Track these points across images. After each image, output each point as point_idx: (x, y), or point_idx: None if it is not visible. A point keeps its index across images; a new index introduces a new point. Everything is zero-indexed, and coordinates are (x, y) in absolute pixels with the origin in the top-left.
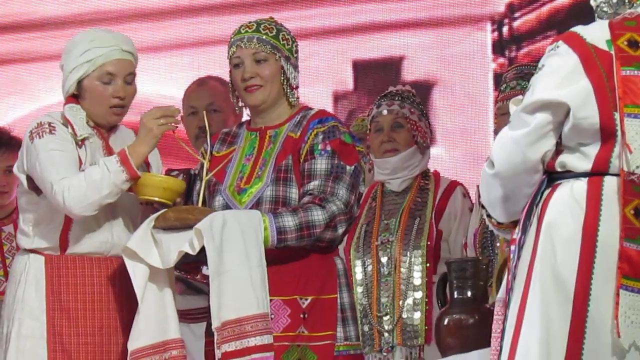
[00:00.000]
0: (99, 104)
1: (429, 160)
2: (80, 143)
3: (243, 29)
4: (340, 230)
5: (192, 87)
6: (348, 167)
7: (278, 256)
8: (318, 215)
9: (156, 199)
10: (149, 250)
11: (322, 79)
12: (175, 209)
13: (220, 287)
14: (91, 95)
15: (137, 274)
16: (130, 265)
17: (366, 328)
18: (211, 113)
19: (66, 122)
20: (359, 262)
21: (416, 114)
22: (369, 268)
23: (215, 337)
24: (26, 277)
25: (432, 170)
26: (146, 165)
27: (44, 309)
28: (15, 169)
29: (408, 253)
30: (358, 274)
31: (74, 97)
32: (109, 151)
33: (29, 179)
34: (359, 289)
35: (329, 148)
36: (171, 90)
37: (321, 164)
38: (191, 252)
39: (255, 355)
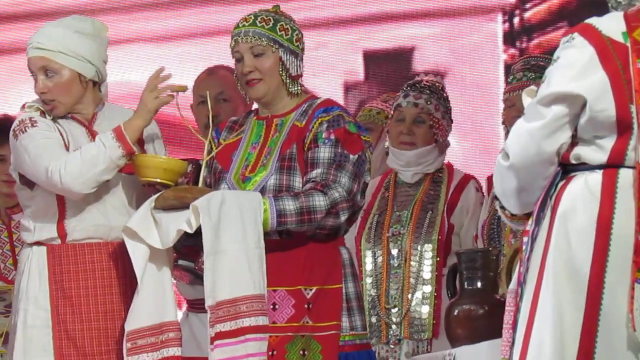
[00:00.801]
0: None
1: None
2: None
3: (241, 23)
4: (343, 218)
5: (201, 77)
6: (351, 156)
7: (282, 246)
8: (320, 201)
9: (158, 180)
10: (149, 231)
11: (332, 69)
12: (174, 189)
13: (215, 266)
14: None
15: (137, 255)
16: (131, 245)
17: (374, 319)
18: (221, 102)
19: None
20: (369, 253)
21: (441, 111)
22: (379, 259)
23: (209, 315)
24: (29, 267)
25: (445, 162)
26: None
27: (48, 298)
28: (10, 168)
29: (419, 246)
30: (368, 264)
31: None
32: (93, 136)
33: (20, 175)
34: (369, 280)
35: (332, 137)
36: (181, 80)
37: (324, 152)
38: (189, 230)
39: (249, 335)
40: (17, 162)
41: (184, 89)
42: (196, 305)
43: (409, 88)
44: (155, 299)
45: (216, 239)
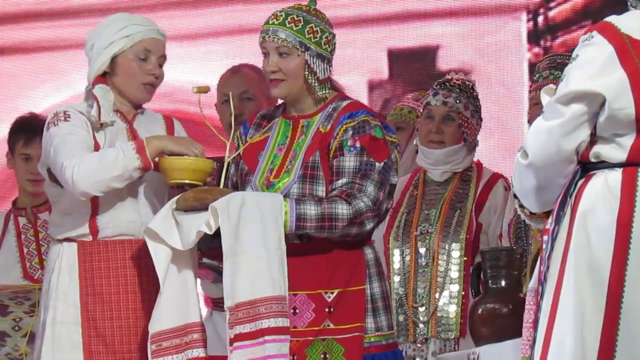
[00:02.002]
0: (133, 80)
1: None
2: (99, 126)
3: (271, 19)
4: (369, 227)
5: (226, 75)
6: (377, 164)
7: (303, 250)
8: (342, 210)
9: (186, 181)
10: (170, 232)
11: (357, 67)
12: (194, 190)
13: (234, 267)
14: (125, 71)
15: (159, 256)
16: (152, 247)
17: (401, 318)
18: (245, 101)
19: (89, 108)
20: (397, 251)
21: (470, 109)
22: (407, 258)
23: (228, 317)
24: (60, 264)
25: (474, 160)
26: None
27: (78, 294)
28: (39, 164)
29: (446, 245)
30: (396, 263)
31: (102, 76)
32: (132, 134)
33: (49, 172)
34: (396, 279)
35: (358, 145)
36: (206, 79)
37: (350, 161)
38: (208, 232)
39: (268, 337)
40: (45, 154)
41: (206, 89)
42: (220, 304)
43: (438, 86)
44: (179, 300)
45: (236, 240)
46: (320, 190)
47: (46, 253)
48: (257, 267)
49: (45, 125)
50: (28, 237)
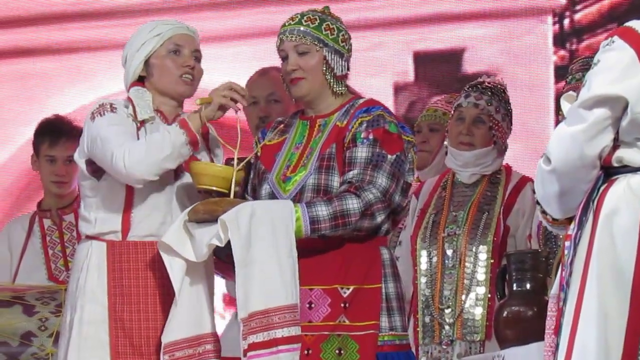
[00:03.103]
0: (169, 75)
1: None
2: (139, 125)
3: (287, 22)
4: (379, 219)
5: (253, 78)
6: (389, 156)
7: (320, 245)
8: (353, 204)
9: (214, 188)
10: (184, 244)
11: (383, 69)
12: (204, 202)
13: (246, 278)
14: (160, 68)
15: (174, 268)
16: (167, 260)
17: (427, 319)
18: (272, 103)
19: (128, 104)
20: (424, 253)
21: (501, 112)
22: (434, 259)
23: (241, 328)
24: (88, 264)
25: (503, 163)
26: (210, 158)
27: (106, 294)
28: (75, 156)
29: (474, 248)
30: (423, 264)
31: (138, 81)
32: None
33: (89, 163)
34: (423, 280)
35: (371, 136)
36: (235, 80)
37: (362, 152)
38: (219, 244)
39: (282, 347)
40: (89, 146)
41: (210, 100)
42: None
43: (470, 88)
44: (193, 311)
45: (247, 251)
46: (336, 181)
47: (71, 255)
48: (270, 276)
49: (89, 115)
50: (53, 239)
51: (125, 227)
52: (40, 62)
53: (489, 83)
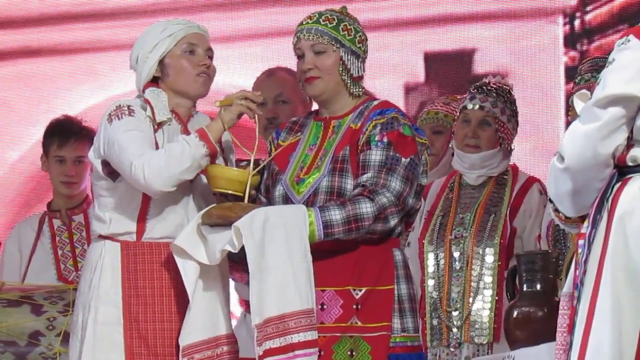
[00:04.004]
0: (185, 75)
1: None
2: (156, 127)
3: (305, 20)
4: (392, 222)
5: (260, 78)
6: (403, 159)
7: (333, 247)
8: (366, 208)
9: (229, 191)
10: (197, 247)
11: (393, 70)
12: (218, 206)
13: (261, 284)
14: (175, 69)
15: (188, 270)
16: (180, 262)
17: (435, 322)
18: (280, 104)
19: (145, 106)
20: (431, 255)
21: (507, 114)
22: (441, 262)
23: (256, 334)
24: (102, 264)
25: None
26: (224, 161)
27: (120, 295)
28: (90, 155)
29: (480, 250)
30: (430, 266)
31: (153, 82)
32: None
33: (104, 164)
34: (430, 282)
35: (385, 139)
36: (242, 81)
37: (376, 155)
38: (233, 250)
39: (298, 351)
40: (106, 149)
41: (230, 102)
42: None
43: (475, 90)
44: (209, 313)
45: (261, 257)
46: (350, 184)
47: (81, 255)
48: (284, 282)
49: (106, 116)
50: (63, 239)
51: (141, 229)
52: (48, 63)
53: (494, 84)
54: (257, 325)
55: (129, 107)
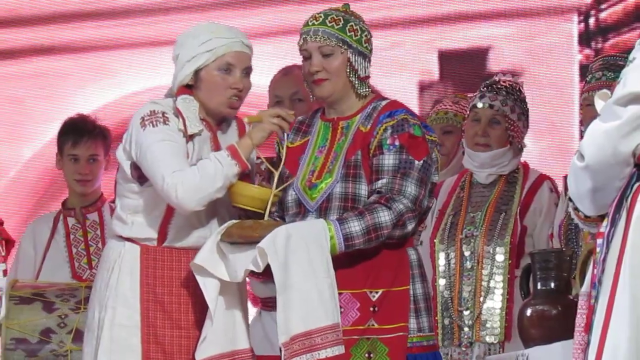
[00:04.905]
0: (217, 95)
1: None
2: (187, 139)
3: (310, 21)
4: (410, 227)
5: (277, 77)
6: (416, 162)
7: (349, 251)
8: (385, 217)
9: (249, 207)
10: (217, 265)
11: (407, 68)
12: (238, 225)
13: (286, 303)
14: (208, 85)
15: (209, 287)
16: (201, 281)
17: (446, 321)
18: (296, 102)
19: (177, 114)
20: (442, 254)
21: (517, 112)
22: (452, 261)
23: (283, 353)
24: (120, 264)
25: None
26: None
27: (138, 299)
28: (119, 155)
29: (491, 249)
30: (441, 265)
31: (187, 87)
32: (215, 144)
33: (134, 167)
34: (441, 282)
35: (397, 143)
36: (256, 79)
37: (389, 160)
38: (257, 270)
39: None
40: (138, 155)
41: (259, 119)
42: (269, 303)
43: (485, 89)
44: (227, 327)
45: (286, 276)
46: (363, 189)
47: (95, 253)
48: (308, 298)
49: (138, 119)
50: (77, 237)
51: (162, 236)
52: (62, 60)
53: (504, 82)
54: (284, 344)
55: (163, 114)
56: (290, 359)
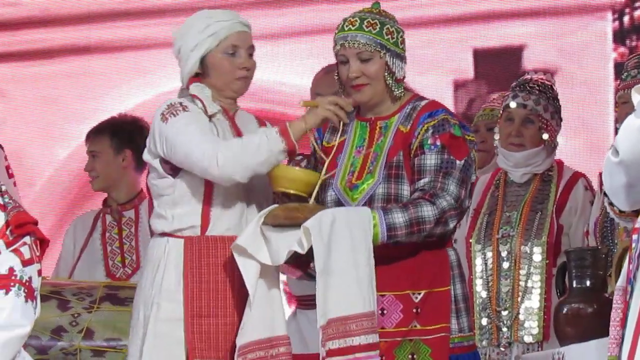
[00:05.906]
0: (226, 77)
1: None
2: (209, 118)
3: (346, 26)
4: (452, 225)
5: (319, 75)
6: (458, 162)
7: (390, 252)
8: (428, 212)
9: (292, 191)
10: (259, 247)
11: (442, 67)
12: (284, 207)
13: (326, 286)
14: (217, 69)
15: (249, 270)
16: (241, 262)
17: (485, 322)
18: None
19: (194, 100)
20: (479, 254)
21: (550, 111)
22: (489, 261)
23: (320, 335)
24: (166, 261)
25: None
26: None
27: (182, 290)
28: (146, 157)
29: (528, 249)
30: (478, 266)
31: (196, 77)
32: (236, 131)
33: (165, 163)
34: (479, 282)
35: (438, 143)
36: (290, 78)
37: (431, 159)
38: (301, 251)
39: (359, 354)
40: (165, 148)
41: (315, 104)
42: (304, 302)
43: (517, 88)
44: (265, 313)
45: (328, 259)
46: (406, 190)
47: (129, 251)
48: (347, 284)
49: (159, 116)
50: (112, 235)
51: (205, 222)
52: (97, 60)
53: (536, 81)
54: (322, 327)
55: (181, 103)
56: (325, 342)
